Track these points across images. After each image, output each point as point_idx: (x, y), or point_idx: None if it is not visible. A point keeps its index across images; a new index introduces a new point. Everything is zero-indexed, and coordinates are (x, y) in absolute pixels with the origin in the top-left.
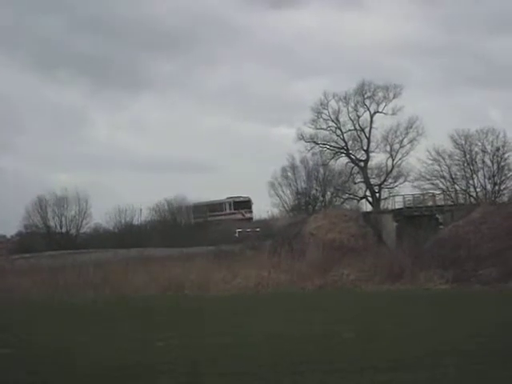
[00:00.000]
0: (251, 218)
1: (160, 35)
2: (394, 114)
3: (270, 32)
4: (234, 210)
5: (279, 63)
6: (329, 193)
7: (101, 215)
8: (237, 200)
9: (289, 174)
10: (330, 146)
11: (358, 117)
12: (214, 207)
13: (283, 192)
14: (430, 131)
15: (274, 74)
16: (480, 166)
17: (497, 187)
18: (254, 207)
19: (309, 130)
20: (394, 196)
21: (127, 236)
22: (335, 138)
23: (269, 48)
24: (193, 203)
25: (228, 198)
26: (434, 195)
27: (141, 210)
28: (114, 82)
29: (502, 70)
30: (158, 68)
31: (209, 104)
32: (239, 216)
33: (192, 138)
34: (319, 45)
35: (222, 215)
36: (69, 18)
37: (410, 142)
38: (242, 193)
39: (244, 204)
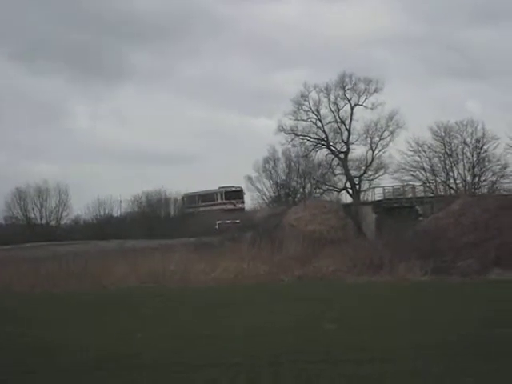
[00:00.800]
0: (243, 209)
1: (141, 26)
2: (374, 107)
3: (252, 23)
4: (226, 199)
5: (260, 54)
6: (309, 184)
7: (81, 207)
8: (228, 190)
9: (269, 165)
10: (311, 137)
11: (339, 109)
12: (206, 197)
13: (263, 184)
14: (410, 123)
15: (255, 65)
16: (460, 157)
17: (476, 179)
18: None
19: (289, 122)
20: (373, 188)
21: (107, 227)
22: (315, 129)
23: (250, 39)
24: (184, 193)
25: (220, 188)
26: (413, 187)
27: (121, 201)
28: (95, 73)
29: (481, 61)
30: (139, 59)
31: (190, 95)
32: (231, 206)
33: (173, 130)
34: (300, 36)
35: (213, 205)
36: (49, 7)
37: (390, 134)
38: (222, 184)
39: (236, 194)
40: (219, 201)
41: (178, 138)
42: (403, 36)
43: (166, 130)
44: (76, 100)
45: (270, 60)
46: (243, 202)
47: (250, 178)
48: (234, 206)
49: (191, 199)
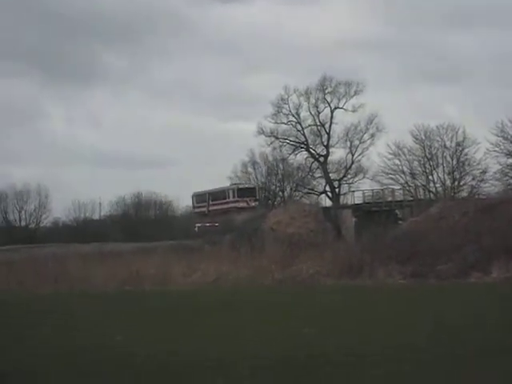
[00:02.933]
0: (256, 207)
1: (114, 28)
2: (354, 110)
3: (225, 26)
4: (238, 197)
5: (234, 57)
6: (288, 188)
7: (60, 209)
8: (241, 187)
9: (249, 169)
10: (290, 140)
11: (319, 112)
12: (217, 195)
13: None
14: (390, 126)
15: (229, 68)
16: (440, 161)
17: (456, 183)
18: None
19: (269, 125)
20: (353, 191)
21: (87, 230)
22: (295, 132)
23: (224, 42)
24: (194, 192)
25: (232, 185)
26: (393, 190)
27: (100, 204)
28: (68, 75)
29: (457, 65)
30: (112, 61)
31: (164, 97)
32: (243, 204)
33: (149, 133)
34: (274, 40)
35: (225, 203)
36: (18, 10)
37: (371, 137)
38: (200, 188)
39: (249, 191)
40: (231, 199)
41: (154, 141)
42: (380, 41)
43: (141, 133)
44: (50, 102)
45: (244, 63)
46: (257, 200)
47: (232, 179)
48: (248, 204)
49: (201, 198)
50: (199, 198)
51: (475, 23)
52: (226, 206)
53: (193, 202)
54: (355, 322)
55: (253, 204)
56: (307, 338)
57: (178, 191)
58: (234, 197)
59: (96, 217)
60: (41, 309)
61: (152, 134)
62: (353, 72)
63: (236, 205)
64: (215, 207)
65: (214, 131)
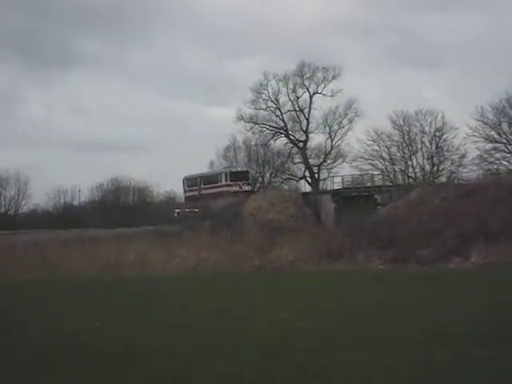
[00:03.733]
0: (249, 191)
1: (92, 12)
2: (333, 95)
3: (201, 9)
4: (231, 181)
5: (212, 42)
6: (268, 173)
7: (39, 196)
8: (234, 171)
9: (229, 154)
10: (270, 126)
11: (298, 97)
12: (209, 179)
13: None
14: (369, 112)
15: (207, 53)
16: (419, 146)
17: (435, 168)
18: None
19: (249, 110)
20: (332, 177)
21: (66, 217)
22: (275, 118)
23: (201, 26)
24: (184, 176)
25: (224, 169)
26: (372, 176)
27: (79, 190)
28: (45, 60)
29: (436, 49)
30: (90, 45)
31: (143, 82)
32: (236, 188)
33: (128, 118)
34: (253, 23)
35: (217, 187)
36: None
37: (349, 122)
38: (180, 173)
39: (242, 175)
40: (223, 182)
41: (133, 126)
42: (357, 24)
43: (120, 118)
44: (28, 87)
45: (223, 48)
46: (250, 185)
47: (212, 164)
48: (240, 188)
49: (192, 181)
50: (190, 181)
51: (452, 7)
52: (218, 190)
53: (184, 186)
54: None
55: (246, 188)
56: None
57: (157, 177)
58: (226, 180)
59: (75, 203)
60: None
61: (131, 119)
62: (331, 56)
63: (229, 189)
64: (207, 191)
65: (193, 116)
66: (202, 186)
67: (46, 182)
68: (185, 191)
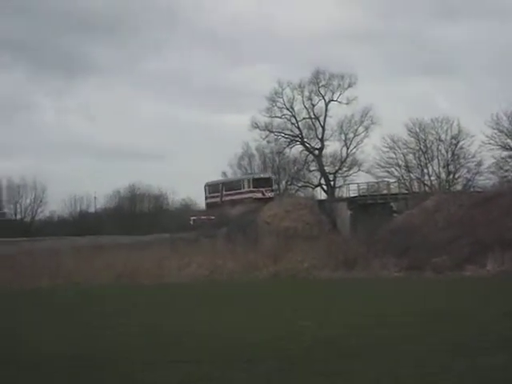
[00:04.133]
0: (272, 198)
1: (105, 19)
2: (348, 103)
3: (215, 16)
4: (254, 188)
5: (224, 49)
6: (284, 181)
7: (55, 203)
8: (256, 177)
9: (244, 162)
10: (285, 134)
11: (313, 105)
12: (231, 185)
13: None
14: (384, 119)
15: (219, 60)
16: (435, 154)
17: (451, 176)
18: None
19: (263, 118)
20: (348, 184)
21: (82, 224)
22: (290, 126)
23: (214, 33)
24: (206, 182)
25: (247, 175)
26: (388, 183)
27: (95, 197)
28: (58, 67)
29: (449, 58)
30: (104, 53)
31: (155, 90)
32: (259, 195)
33: (142, 125)
34: (266, 31)
35: (239, 194)
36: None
37: (365, 130)
38: (194, 180)
39: (265, 181)
40: (246, 189)
41: (148, 134)
42: (370, 32)
43: (134, 126)
44: (40, 94)
45: (235, 55)
46: (272, 191)
47: (225, 174)
48: (263, 194)
49: (214, 188)
50: (212, 188)
51: (464, 14)
52: (240, 197)
53: (205, 192)
54: None
55: (269, 194)
56: None
57: (172, 184)
58: (249, 187)
59: (91, 210)
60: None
61: (145, 127)
62: (344, 64)
63: (251, 195)
64: (229, 197)
65: (207, 124)
66: (224, 193)
67: (61, 190)
68: (206, 198)
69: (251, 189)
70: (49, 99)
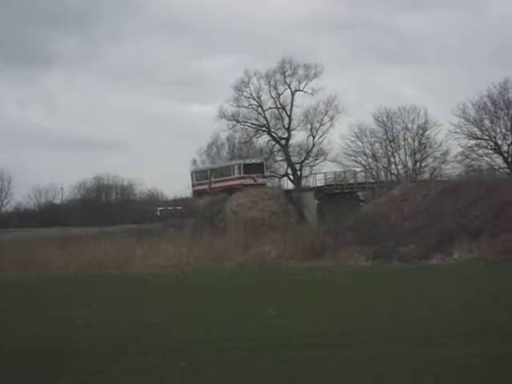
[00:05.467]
0: (264, 184)
1: (66, 9)
2: (314, 93)
3: (179, 5)
4: (244, 174)
5: (190, 38)
6: None
7: (21, 194)
8: (248, 163)
9: (212, 151)
10: (252, 124)
11: (279, 95)
12: (220, 172)
13: None
14: (350, 109)
15: (184, 50)
16: (402, 143)
17: (418, 165)
18: (175, 186)
19: (230, 108)
20: (315, 174)
21: (49, 215)
22: (257, 116)
23: (178, 22)
24: (193, 169)
25: (237, 161)
26: (355, 172)
27: (62, 188)
28: (20, 58)
29: (416, 47)
30: (64, 43)
31: (119, 80)
32: (250, 181)
33: (107, 116)
34: (231, 20)
35: (228, 180)
36: None
37: (330, 119)
38: (161, 171)
39: (256, 167)
40: (236, 175)
41: (113, 124)
42: (337, 21)
43: (97, 116)
44: (2, 86)
45: (200, 45)
46: (264, 177)
47: (195, 162)
48: (255, 181)
49: (201, 175)
50: (199, 174)
51: (431, 4)
52: (230, 183)
53: (192, 180)
54: None
55: (260, 181)
56: None
57: (139, 175)
58: (239, 173)
59: (58, 201)
60: None
61: (110, 117)
62: (313, 53)
63: (242, 181)
64: (218, 184)
65: (172, 113)
66: (213, 180)
67: (27, 181)
68: (193, 185)
69: (242, 175)
70: (11, 90)
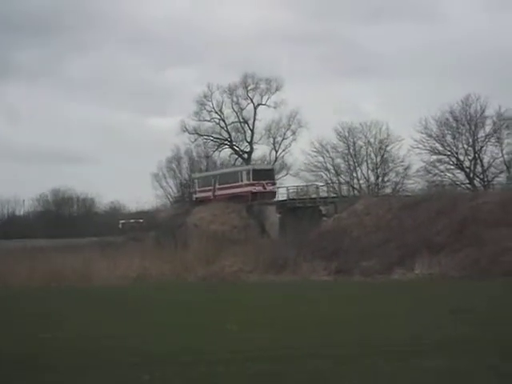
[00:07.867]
0: (274, 192)
1: (29, 19)
2: (276, 106)
3: (140, 17)
4: (254, 180)
5: (150, 51)
6: None
7: None
8: (257, 168)
9: (173, 165)
10: (214, 137)
11: (242, 109)
12: (226, 178)
13: (167, 183)
14: (312, 123)
15: (145, 63)
16: (364, 158)
17: (380, 179)
18: (137, 198)
19: (192, 122)
20: (277, 188)
21: (10, 227)
22: (219, 129)
23: (140, 34)
24: (197, 174)
25: (246, 166)
26: (317, 187)
27: (24, 200)
28: None
29: (377, 60)
30: (27, 54)
31: (80, 92)
32: (260, 188)
33: (68, 128)
34: (191, 33)
35: (235, 187)
36: None
37: (293, 133)
38: (122, 184)
39: (266, 173)
40: (245, 182)
41: (74, 137)
42: (298, 35)
43: (60, 128)
44: None
45: (161, 57)
46: (274, 184)
47: (156, 175)
48: (264, 188)
49: (205, 181)
50: (203, 181)
51: (392, 18)
52: (237, 191)
53: (194, 186)
54: None
55: (270, 188)
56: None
57: (101, 188)
58: (248, 179)
59: (19, 213)
60: None
61: (71, 129)
62: (275, 67)
63: (250, 189)
64: (223, 192)
65: (134, 126)
66: (218, 186)
67: None
68: (195, 192)
69: (251, 181)
70: None
